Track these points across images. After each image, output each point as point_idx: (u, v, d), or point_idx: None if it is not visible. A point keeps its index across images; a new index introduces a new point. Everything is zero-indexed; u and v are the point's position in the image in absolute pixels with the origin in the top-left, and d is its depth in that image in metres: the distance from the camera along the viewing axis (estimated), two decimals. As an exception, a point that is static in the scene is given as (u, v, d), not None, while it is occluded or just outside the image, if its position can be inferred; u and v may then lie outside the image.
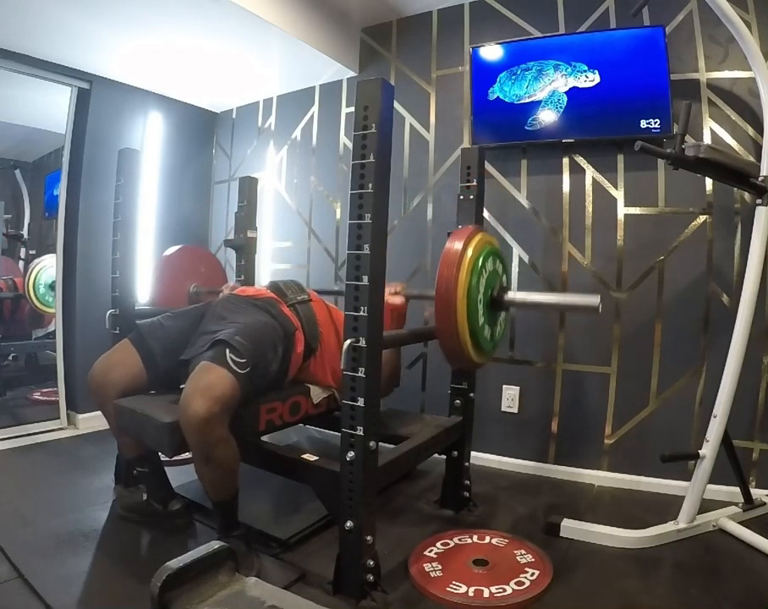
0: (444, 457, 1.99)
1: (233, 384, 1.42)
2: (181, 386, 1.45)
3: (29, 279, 3.21)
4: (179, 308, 1.89)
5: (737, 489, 1.83)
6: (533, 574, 1.50)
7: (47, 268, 3.18)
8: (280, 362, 1.64)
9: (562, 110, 2.25)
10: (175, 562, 0.98)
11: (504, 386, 2.46)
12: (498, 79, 2.37)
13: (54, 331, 2.87)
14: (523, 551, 1.63)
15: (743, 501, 1.84)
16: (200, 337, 1.64)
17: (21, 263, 3.55)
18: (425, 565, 1.54)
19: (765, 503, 1.86)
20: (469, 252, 1.50)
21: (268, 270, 3.16)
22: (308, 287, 2.05)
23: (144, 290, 2.98)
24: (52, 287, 2.92)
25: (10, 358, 3.52)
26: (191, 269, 2.49)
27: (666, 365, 2.17)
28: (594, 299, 1.47)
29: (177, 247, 2.47)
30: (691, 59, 2.11)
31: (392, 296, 1.79)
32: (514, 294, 1.68)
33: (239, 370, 1.45)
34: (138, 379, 1.67)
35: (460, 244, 1.49)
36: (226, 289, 2.28)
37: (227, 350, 1.46)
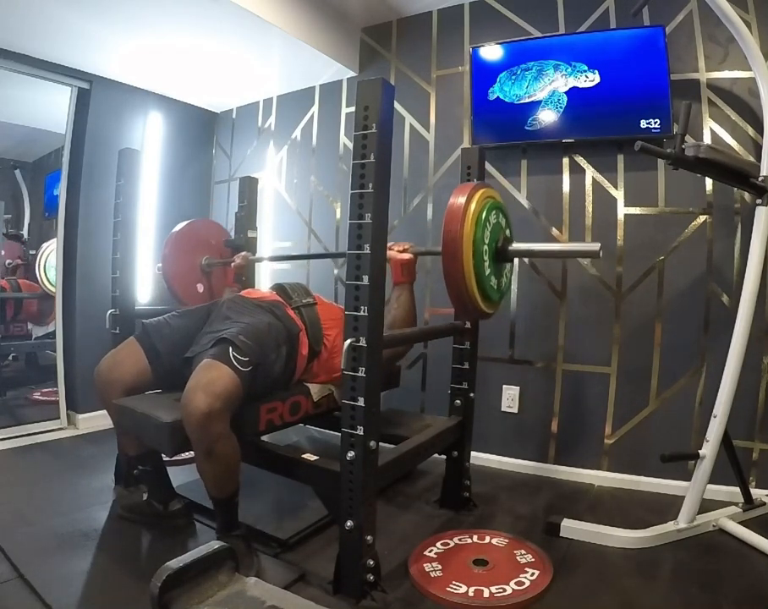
0: (444, 457, 1.99)
1: (234, 381, 1.43)
2: None
3: (39, 262, 3.27)
4: (186, 307, 1.89)
5: (738, 489, 1.83)
6: (533, 574, 1.50)
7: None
8: (284, 363, 1.65)
9: (562, 110, 2.25)
10: (175, 562, 0.98)
11: (504, 386, 2.46)
12: (498, 79, 2.37)
13: (54, 331, 2.88)
14: (523, 551, 1.63)
15: (743, 501, 1.84)
16: (204, 336, 1.66)
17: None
18: (425, 565, 1.54)
19: (765, 503, 1.86)
20: (473, 206, 1.53)
21: (268, 270, 3.16)
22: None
23: (144, 290, 3.01)
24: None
25: (10, 358, 3.52)
26: (201, 242, 2.47)
27: (666, 365, 2.17)
28: (594, 246, 1.53)
29: (185, 222, 2.44)
30: (691, 59, 2.11)
31: (401, 253, 1.84)
32: (518, 245, 1.72)
33: (242, 368, 1.46)
34: (143, 377, 1.68)
35: (463, 198, 1.52)
36: (238, 259, 2.33)
37: (230, 348, 1.47)
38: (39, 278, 3.27)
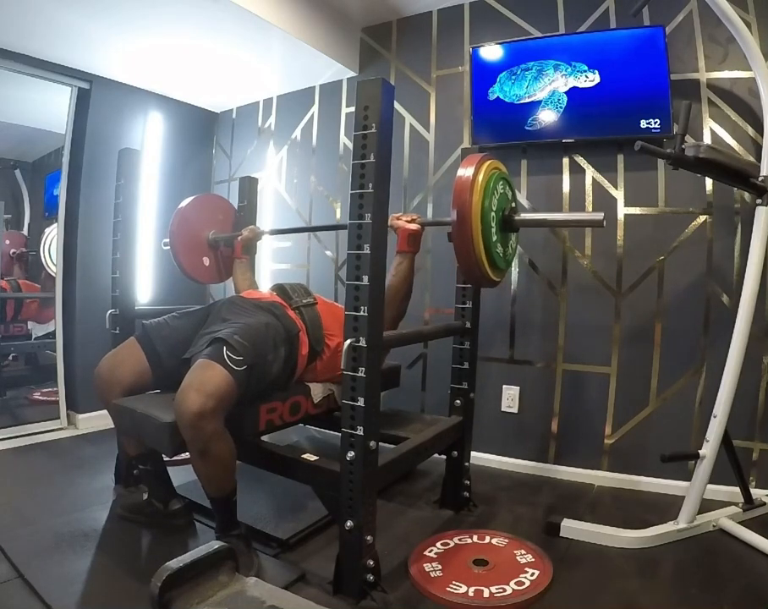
0: (444, 457, 1.99)
1: (228, 381, 1.42)
2: None
3: (44, 244, 3.31)
4: (186, 307, 1.89)
5: (737, 489, 1.83)
6: (533, 574, 1.50)
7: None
8: (283, 363, 1.64)
9: (562, 110, 2.25)
10: (175, 562, 0.98)
11: (504, 386, 2.46)
12: (498, 79, 2.37)
13: (54, 331, 2.88)
14: (523, 551, 1.63)
15: (743, 501, 1.84)
16: (201, 337, 1.65)
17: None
18: (425, 565, 1.54)
19: (765, 503, 1.86)
20: (480, 176, 1.57)
21: (268, 270, 3.16)
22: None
23: (144, 290, 3.01)
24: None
25: (10, 358, 3.52)
26: (209, 217, 2.46)
27: (666, 365, 2.17)
28: (598, 216, 1.58)
29: (191, 197, 2.43)
30: (691, 59, 2.11)
31: (409, 224, 1.85)
32: (523, 215, 1.76)
33: (236, 368, 1.45)
34: (143, 377, 1.68)
35: (471, 169, 1.56)
36: (246, 231, 2.32)
37: (225, 348, 1.47)
38: (43, 260, 3.30)
